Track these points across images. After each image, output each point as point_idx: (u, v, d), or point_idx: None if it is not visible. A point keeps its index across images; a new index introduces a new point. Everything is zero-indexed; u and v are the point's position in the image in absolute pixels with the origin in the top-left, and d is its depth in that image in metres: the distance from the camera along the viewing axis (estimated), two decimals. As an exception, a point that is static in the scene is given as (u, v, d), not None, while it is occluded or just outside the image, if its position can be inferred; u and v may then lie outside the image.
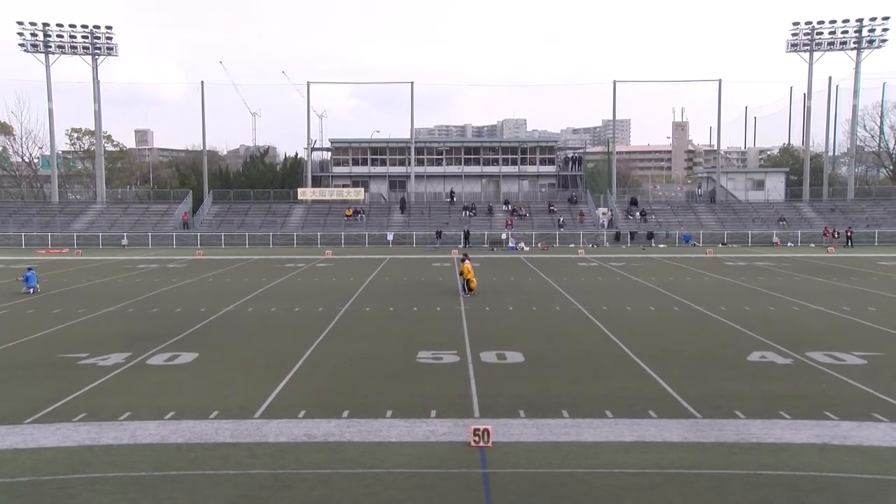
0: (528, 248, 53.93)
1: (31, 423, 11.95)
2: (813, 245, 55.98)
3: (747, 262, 42.12)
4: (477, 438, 10.69)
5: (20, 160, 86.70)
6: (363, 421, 11.93)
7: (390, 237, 58.98)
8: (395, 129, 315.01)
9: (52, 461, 10.25)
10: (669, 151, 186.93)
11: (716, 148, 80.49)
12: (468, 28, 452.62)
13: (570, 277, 33.65)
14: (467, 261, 28.86)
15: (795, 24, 64.21)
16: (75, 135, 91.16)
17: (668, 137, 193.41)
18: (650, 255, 48.15)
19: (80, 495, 9.11)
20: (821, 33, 63.49)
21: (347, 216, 64.06)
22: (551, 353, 17.04)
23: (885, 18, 62.05)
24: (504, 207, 65.18)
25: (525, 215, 63.69)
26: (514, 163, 71.48)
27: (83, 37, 64.38)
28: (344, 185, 69.39)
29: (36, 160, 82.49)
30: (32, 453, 10.57)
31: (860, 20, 62.47)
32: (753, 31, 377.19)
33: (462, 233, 57.36)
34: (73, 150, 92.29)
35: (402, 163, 70.69)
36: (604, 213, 62.89)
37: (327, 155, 74.72)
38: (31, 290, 28.53)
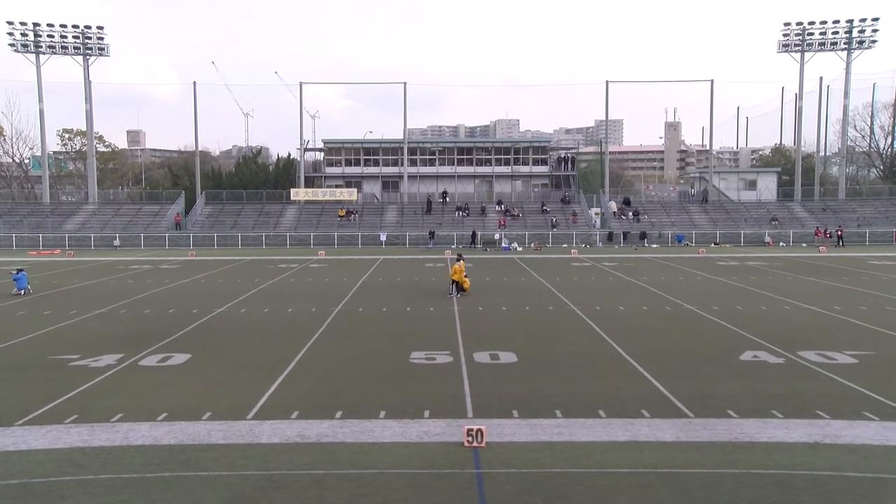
0: (521, 249, 53.99)
1: (22, 425, 11.88)
2: (805, 245, 56.24)
3: (739, 261, 42.27)
4: (470, 438, 10.69)
5: (11, 161, 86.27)
6: (356, 421, 11.92)
7: (383, 238, 58.94)
8: (388, 129, 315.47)
9: (42, 463, 10.19)
10: (662, 151, 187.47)
11: (708, 148, 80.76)
12: (461, 28, 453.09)
13: (563, 277, 33.69)
14: (460, 261, 28.66)
15: (787, 24, 64.52)
16: (66, 135, 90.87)
17: (661, 137, 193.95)
18: (643, 255, 48.27)
19: (71, 497, 9.06)
20: (812, 34, 63.79)
21: (340, 217, 63.98)
22: (544, 353, 17.06)
23: (875, 19, 62.38)
24: (497, 208, 65.21)
25: (518, 215, 63.75)
26: (506, 163, 71.54)
27: (74, 37, 64.05)
28: (337, 186, 69.27)
29: (27, 161, 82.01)
30: (23, 455, 10.51)
31: (850, 21, 62.78)
32: (745, 31, 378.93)
33: (470, 233, 57.30)
34: (64, 150, 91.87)
35: (394, 163, 70.63)
36: (596, 213, 63.06)
37: (320, 155, 74.64)
38: (22, 292, 28.39)
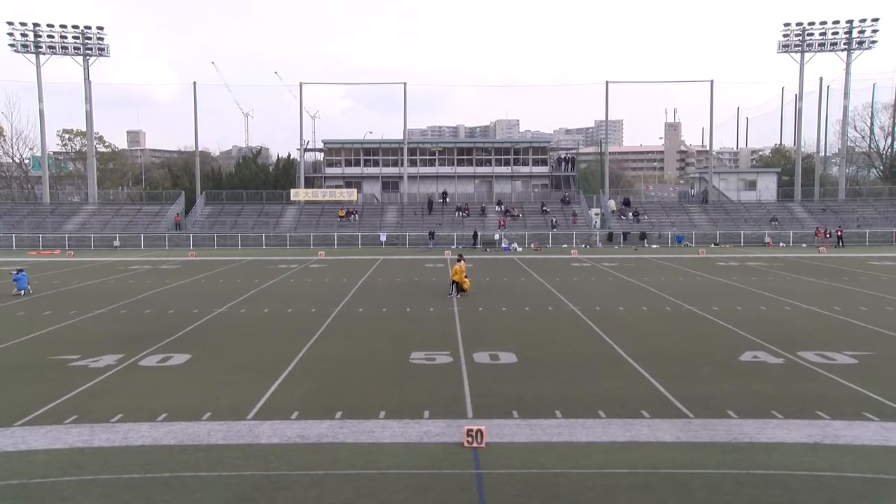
0: (521, 249, 53.99)
1: (22, 425, 11.88)
2: (804, 245, 56.26)
3: (739, 262, 42.28)
4: (470, 439, 10.69)
5: (11, 161, 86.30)
6: (356, 422, 11.92)
7: (383, 238, 58.95)
8: (388, 129, 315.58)
9: (42, 464, 10.19)
10: (662, 152, 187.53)
11: (708, 148, 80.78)
12: (461, 28, 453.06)
13: (562, 278, 33.69)
14: (460, 261, 28.69)
15: (787, 25, 64.55)
16: (67, 136, 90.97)
17: (661, 138, 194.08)
18: (643, 255, 48.27)
19: (71, 498, 9.06)
20: (812, 34, 63.82)
21: (340, 217, 64.00)
22: (544, 354, 17.06)
23: (875, 20, 62.41)
24: (497, 208, 65.23)
25: (518, 216, 63.76)
26: (506, 163, 71.54)
27: (74, 37, 64.08)
28: (337, 186, 69.30)
29: (27, 161, 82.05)
30: (23, 456, 10.51)
31: (850, 21, 62.81)
32: (745, 31, 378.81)
33: (472, 234, 57.39)
34: (64, 151, 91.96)
35: (394, 163, 70.65)
36: (596, 214, 63.06)
37: (320, 156, 74.66)
38: (22, 292, 28.39)
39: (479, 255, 47.45)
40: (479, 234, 57.37)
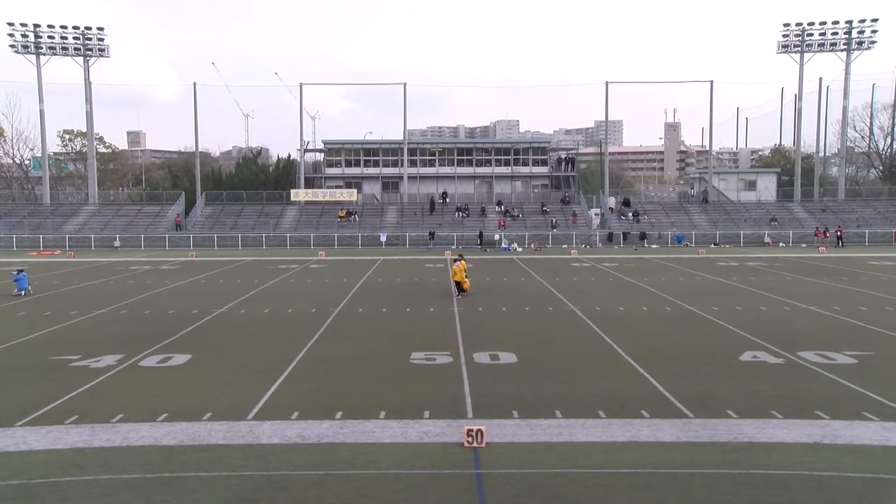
0: (521, 249, 54.00)
1: (23, 425, 11.89)
2: (804, 245, 56.27)
3: (739, 262, 42.29)
4: (470, 439, 10.70)
5: (11, 162, 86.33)
6: (356, 422, 11.93)
7: (383, 238, 58.97)
8: (388, 130, 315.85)
9: (43, 464, 10.20)
10: (662, 152, 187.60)
11: (708, 148, 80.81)
12: (461, 28, 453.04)
13: (562, 278, 33.70)
14: (460, 261, 28.62)
15: (786, 25, 64.57)
16: (67, 136, 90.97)
17: (661, 138, 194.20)
18: (642, 255, 48.28)
19: (71, 498, 9.08)
20: (811, 34, 63.85)
21: (340, 217, 64.02)
22: (544, 354, 17.07)
23: (875, 20, 62.42)
24: (497, 208, 65.24)
25: (518, 216, 63.77)
26: (506, 163, 71.57)
27: (74, 38, 64.13)
28: (337, 187, 69.34)
29: (27, 162, 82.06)
30: (24, 456, 10.53)
31: (850, 22, 62.83)
32: (745, 32, 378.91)
33: (477, 234, 57.39)
34: (64, 151, 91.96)
35: (394, 164, 70.68)
36: (596, 214, 63.05)
37: (320, 156, 74.69)
38: (23, 293, 28.40)
39: (479, 255, 47.46)
40: (483, 233, 57.37)
